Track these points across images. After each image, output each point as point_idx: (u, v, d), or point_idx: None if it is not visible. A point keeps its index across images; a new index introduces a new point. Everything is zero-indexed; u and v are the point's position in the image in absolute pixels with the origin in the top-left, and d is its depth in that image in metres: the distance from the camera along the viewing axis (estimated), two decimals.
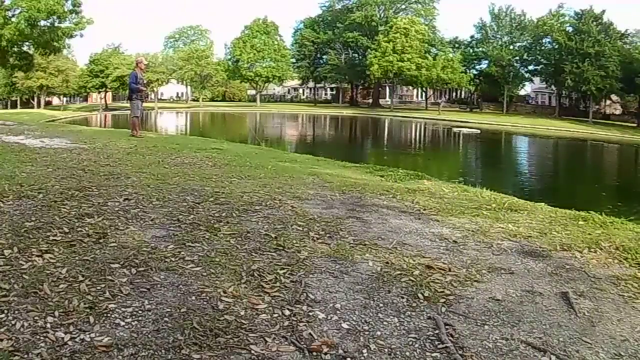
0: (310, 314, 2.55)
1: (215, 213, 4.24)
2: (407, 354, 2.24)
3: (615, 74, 49.25)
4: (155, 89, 63.75)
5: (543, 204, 6.02)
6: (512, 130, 45.98)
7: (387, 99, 72.99)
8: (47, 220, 3.70)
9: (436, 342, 2.34)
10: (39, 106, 63.69)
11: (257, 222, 4.05)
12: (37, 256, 3.00)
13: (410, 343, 2.33)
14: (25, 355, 2.02)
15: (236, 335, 2.28)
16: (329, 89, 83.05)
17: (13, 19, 32.15)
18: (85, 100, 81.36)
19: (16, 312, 2.34)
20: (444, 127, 44.27)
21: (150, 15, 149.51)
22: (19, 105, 66.07)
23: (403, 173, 8.66)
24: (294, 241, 3.62)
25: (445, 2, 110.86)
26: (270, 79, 68.47)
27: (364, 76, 67.38)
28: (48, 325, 2.24)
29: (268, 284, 2.86)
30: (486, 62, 62.11)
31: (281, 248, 3.46)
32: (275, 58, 66.99)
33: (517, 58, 59.97)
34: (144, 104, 13.43)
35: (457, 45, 64.77)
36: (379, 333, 2.41)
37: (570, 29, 54.00)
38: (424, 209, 5.04)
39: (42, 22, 32.45)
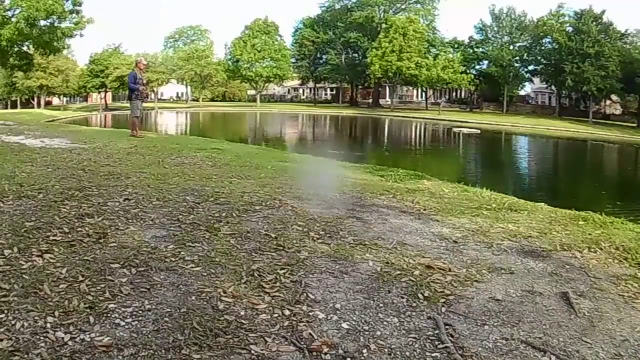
0: (310, 314, 2.55)
1: (215, 213, 4.24)
2: (407, 354, 2.24)
3: (615, 74, 49.19)
4: (155, 88, 63.70)
5: (543, 204, 6.02)
6: (512, 130, 45.92)
7: (387, 99, 72.85)
8: (47, 220, 3.70)
9: (436, 342, 2.34)
10: (39, 106, 63.63)
11: (257, 222, 4.05)
12: (37, 256, 3.00)
13: (410, 343, 2.33)
14: (25, 355, 2.02)
15: (236, 335, 2.28)
16: (329, 89, 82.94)
17: (12, 19, 32.13)
18: (85, 100, 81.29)
19: (16, 312, 2.34)
20: (444, 127, 44.20)
21: (150, 15, 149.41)
22: (19, 105, 65.94)
23: (403, 173, 8.66)
24: (294, 241, 3.62)
25: (445, 2, 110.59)
26: (271, 79, 68.43)
27: (364, 76, 67.27)
28: (48, 325, 2.24)
29: (268, 284, 2.86)
30: (486, 62, 62.08)
31: (281, 248, 3.46)
32: (276, 58, 66.95)
33: (517, 58, 59.92)
34: (144, 104, 13.44)
35: (457, 46, 64.71)
36: (379, 333, 2.41)
37: (570, 29, 53.93)
38: (424, 209, 5.04)
39: (42, 22, 32.42)
